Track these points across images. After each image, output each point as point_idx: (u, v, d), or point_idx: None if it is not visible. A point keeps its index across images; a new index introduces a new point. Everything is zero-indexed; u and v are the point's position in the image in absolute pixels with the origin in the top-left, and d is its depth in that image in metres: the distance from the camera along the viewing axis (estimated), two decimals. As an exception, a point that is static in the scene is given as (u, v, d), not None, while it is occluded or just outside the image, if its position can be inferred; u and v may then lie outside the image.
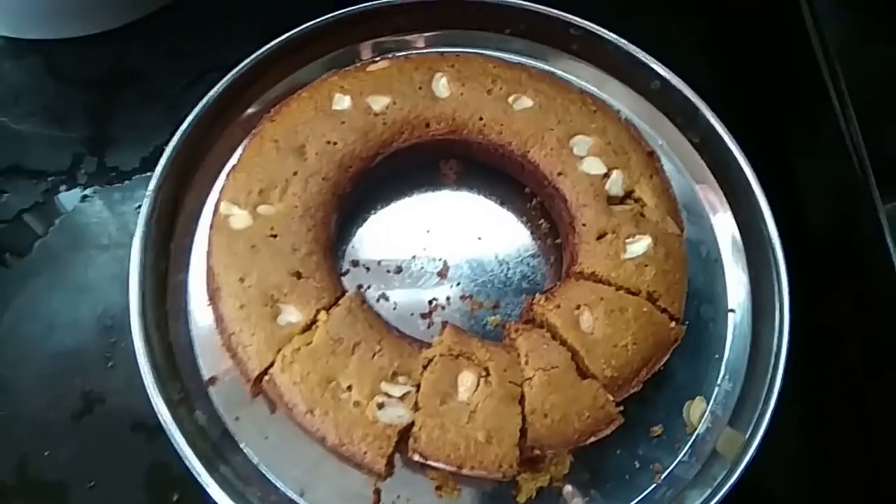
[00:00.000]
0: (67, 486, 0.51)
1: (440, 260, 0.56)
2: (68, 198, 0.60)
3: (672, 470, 0.50)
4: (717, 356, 0.54)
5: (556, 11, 0.60)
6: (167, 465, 0.51)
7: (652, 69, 0.59)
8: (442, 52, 0.59)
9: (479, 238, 0.57)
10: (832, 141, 0.58)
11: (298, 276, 0.49)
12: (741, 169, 0.56)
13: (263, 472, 0.49)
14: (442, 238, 0.57)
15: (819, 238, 0.60)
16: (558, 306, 0.49)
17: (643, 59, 0.59)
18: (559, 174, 0.53)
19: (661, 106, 0.60)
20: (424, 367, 0.47)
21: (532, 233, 0.58)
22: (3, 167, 0.61)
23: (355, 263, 0.56)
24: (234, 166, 0.54)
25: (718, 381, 0.53)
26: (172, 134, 0.54)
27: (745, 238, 0.57)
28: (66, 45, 0.65)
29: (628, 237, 0.51)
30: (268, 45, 0.57)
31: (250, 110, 0.59)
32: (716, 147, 0.58)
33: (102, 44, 0.65)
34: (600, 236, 0.51)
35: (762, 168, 0.56)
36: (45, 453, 0.52)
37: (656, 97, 0.60)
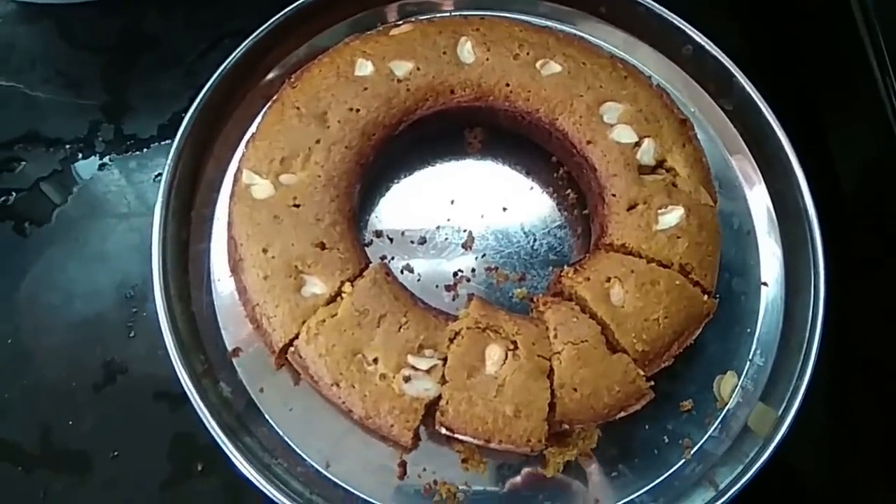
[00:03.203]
0: (90, 455, 0.51)
1: (465, 231, 0.55)
2: (86, 166, 0.59)
3: (702, 445, 0.50)
4: (748, 330, 0.52)
5: (585, -27, 0.58)
6: (191, 435, 0.51)
7: (685, 33, 0.57)
8: (466, 16, 0.57)
9: (505, 209, 0.56)
10: (871, 111, 0.56)
11: (322, 246, 0.48)
12: (776, 137, 0.54)
13: (288, 443, 0.49)
14: (466, 208, 0.55)
15: (856, 211, 0.59)
16: (588, 279, 0.48)
17: (675, 22, 0.57)
18: (588, 143, 0.52)
19: (693, 72, 0.58)
20: (451, 340, 0.46)
21: (559, 203, 0.56)
22: (20, 135, 0.60)
23: (378, 234, 0.55)
24: (254, 134, 0.52)
25: (750, 356, 0.52)
26: (190, 101, 0.53)
27: (780, 210, 0.55)
28: (80, 9, 0.63)
29: (660, 208, 0.50)
30: (288, 8, 0.55)
31: (270, 76, 0.57)
32: (750, 115, 0.56)
33: (116, 8, 0.64)
34: (631, 207, 0.50)
35: (797, 138, 0.54)
36: (69, 423, 0.52)
37: (688, 63, 0.58)
